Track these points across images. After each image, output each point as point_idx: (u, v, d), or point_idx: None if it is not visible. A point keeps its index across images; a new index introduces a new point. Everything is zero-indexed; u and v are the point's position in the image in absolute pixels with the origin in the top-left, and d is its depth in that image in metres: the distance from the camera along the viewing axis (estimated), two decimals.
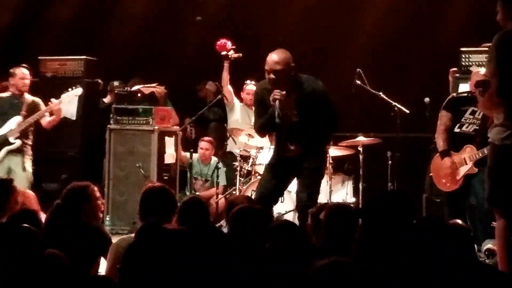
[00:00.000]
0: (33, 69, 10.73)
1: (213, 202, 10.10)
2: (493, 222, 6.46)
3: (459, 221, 4.80)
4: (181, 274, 3.79)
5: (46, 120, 9.27)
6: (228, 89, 10.37)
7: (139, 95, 10.31)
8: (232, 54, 9.94)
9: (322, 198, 9.15)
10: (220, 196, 10.05)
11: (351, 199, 9.56)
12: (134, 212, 7.18)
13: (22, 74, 9.36)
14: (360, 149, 9.57)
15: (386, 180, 9.49)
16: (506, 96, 5.52)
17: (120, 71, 11.46)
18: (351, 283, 3.15)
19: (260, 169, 9.72)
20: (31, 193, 8.88)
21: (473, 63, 9.14)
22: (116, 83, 10.77)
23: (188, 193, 10.31)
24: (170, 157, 10.13)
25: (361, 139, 9.60)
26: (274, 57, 7.04)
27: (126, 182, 9.75)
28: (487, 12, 6.58)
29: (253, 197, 8.51)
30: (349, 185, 9.72)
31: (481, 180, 6.73)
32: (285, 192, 9.30)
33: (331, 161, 9.50)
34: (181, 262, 3.81)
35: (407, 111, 9.44)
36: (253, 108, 10.28)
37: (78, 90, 9.40)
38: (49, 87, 10.46)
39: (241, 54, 10.02)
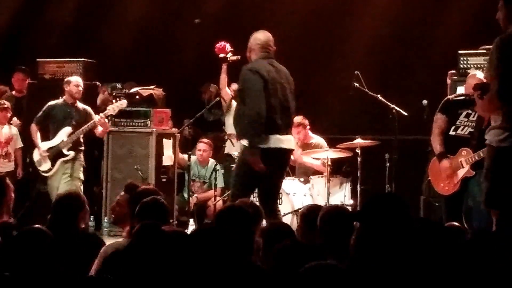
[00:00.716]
0: (32, 71, 10.78)
1: (211, 204, 10.12)
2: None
3: (456, 223, 4.81)
4: (177, 276, 3.80)
5: (98, 131, 9.51)
6: (225, 91, 10.37)
7: (137, 97, 10.34)
8: (230, 56, 9.94)
9: (321, 201, 9.17)
10: (218, 198, 10.05)
11: (349, 201, 9.56)
12: None
13: (77, 82, 9.54)
14: (358, 151, 9.57)
15: (384, 182, 9.49)
16: (506, 99, 5.52)
17: (119, 73, 11.47)
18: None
19: None
20: None
21: (472, 65, 9.13)
22: (118, 85, 10.79)
23: (186, 195, 10.33)
24: (168, 159, 10.15)
25: (359, 141, 9.60)
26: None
27: (124, 184, 9.72)
28: (485, 15, 6.60)
29: (251, 198, 8.58)
30: (347, 187, 9.72)
31: (478, 182, 6.75)
32: (284, 194, 9.34)
33: (329, 163, 9.52)
34: (178, 264, 3.82)
35: (405, 114, 9.44)
36: None
37: (123, 102, 9.49)
38: (47, 89, 10.49)
39: (239, 57, 10.01)
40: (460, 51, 9.29)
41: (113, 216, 6.26)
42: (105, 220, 9.66)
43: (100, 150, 10.21)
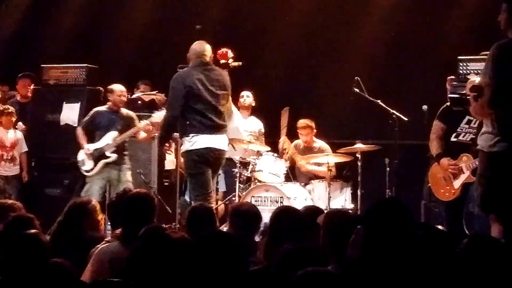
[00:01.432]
0: (36, 77, 10.86)
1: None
2: None
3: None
4: (183, 281, 3.86)
5: (141, 136, 9.66)
6: None
7: (139, 102, 10.42)
8: (232, 62, 10.01)
9: (321, 205, 9.22)
10: (219, 202, 10.11)
11: (349, 205, 9.62)
12: None
13: (120, 91, 9.67)
14: (359, 155, 9.64)
15: (384, 186, 9.55)
16: (496, 107, 5.60)
17: (121, 78, 11.54)
18: None
19: (260, 176, 9.81)
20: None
21: (471, 71, 9.12)
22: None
23: (187, 199, 10.38)
24: (170, 163, 10.22)
25: (359, 146, 9.67)
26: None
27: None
28: (485, 21, 6.65)
29: (253, 203, 8.67)
30: (347, 192, 9.78)
31: None
32: (284, 198, 9.41)
33: (330, 168, 9.60)
34: (184, 270, 3.88)
35: (405, 119, 9.50)
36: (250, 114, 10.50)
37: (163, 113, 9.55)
38: (51, 94, 10.58)
39: (241, 63, 10.08)
40: (459, 57, 9.32)
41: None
42: (108, 223, 9.71)
43: None
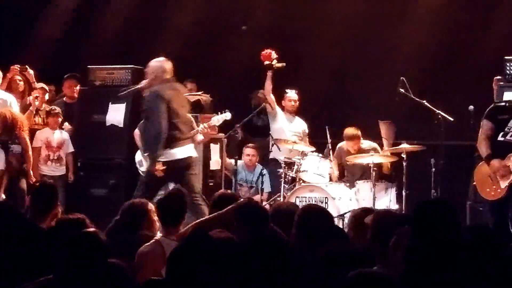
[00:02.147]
0: (82, 78, 10.97)
1: None
2: None
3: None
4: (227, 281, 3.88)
5: (199, 139, 9.48)
6: (271, 97, 10.47)
7: None
8: (275, 63, 10.03)
9: (366, 205, 9.19)
10: (264, 202, 10.13)
11: (394, 206, 9.58)
12: None
13: None
14: (404, 156, 9.61)
15: (429, 187, 9.50)
16: None
17: None
18: None
19: (305, 176, 9.82)
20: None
21: None
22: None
23: None
24: (215, 163, 10.26)
25: (404, 146, 9.63)
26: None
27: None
28: None
29: (297, 203, 8.68)
30: (392, 192, 9.75)
31: None
32: (329, 199, 9.42)
33: (374, 168, 9.58)
34: (227, 271, 3.90)
35: (451, 119, 9.45)
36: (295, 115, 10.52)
37: (228, 115, 9.52)
38: (97, 95, 10.67)
39: (284, 64, 10.10)
40: (506, 57, 9.28)
41: None
42: None
43: None
